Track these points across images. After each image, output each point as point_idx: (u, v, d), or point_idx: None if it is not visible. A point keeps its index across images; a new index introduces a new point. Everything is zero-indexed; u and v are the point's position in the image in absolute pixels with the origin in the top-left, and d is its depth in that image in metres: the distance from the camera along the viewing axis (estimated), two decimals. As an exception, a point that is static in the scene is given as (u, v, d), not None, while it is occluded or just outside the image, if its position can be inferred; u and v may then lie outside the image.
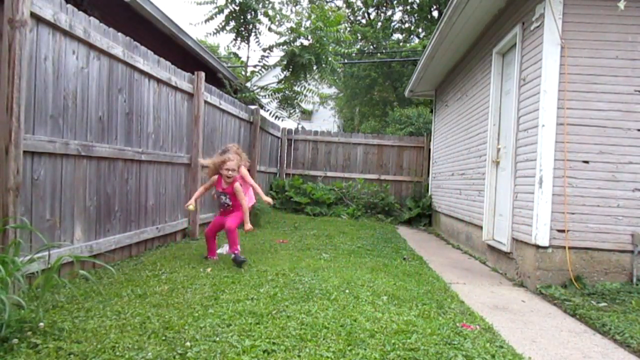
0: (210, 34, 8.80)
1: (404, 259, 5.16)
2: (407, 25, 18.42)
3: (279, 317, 2.70)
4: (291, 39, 8.74)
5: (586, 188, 4.05)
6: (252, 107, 8.52)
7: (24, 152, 2.80)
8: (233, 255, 4.17)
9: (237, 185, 4.38)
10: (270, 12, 8.61)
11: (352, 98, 18.51)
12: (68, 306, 2.66)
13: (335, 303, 3.08)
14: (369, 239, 6.53)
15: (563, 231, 4.03)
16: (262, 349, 2.22)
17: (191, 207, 4.27)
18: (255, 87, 9.70)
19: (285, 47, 8.82)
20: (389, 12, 18.54)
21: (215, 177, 4.38)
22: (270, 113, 9.73)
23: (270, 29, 8.87)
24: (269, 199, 4.97)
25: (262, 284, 3.49)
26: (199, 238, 5.62)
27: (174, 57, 5.82)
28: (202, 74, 5.63)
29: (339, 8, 17.16)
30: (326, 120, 22.40)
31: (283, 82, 9.25)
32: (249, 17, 8.51)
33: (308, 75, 9.28)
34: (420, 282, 3.95)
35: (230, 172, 4.29)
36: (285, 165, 10.74)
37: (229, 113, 6.94)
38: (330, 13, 9.06)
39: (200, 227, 5.87)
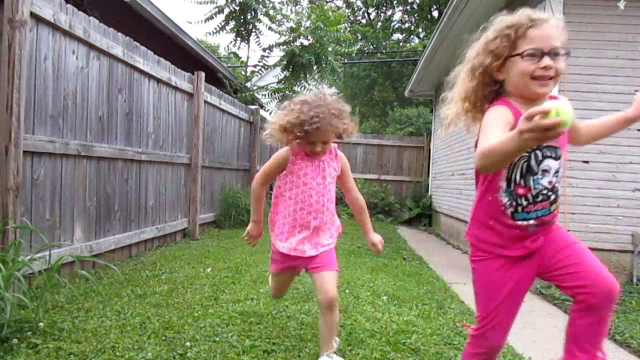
0: (210, 33, 8.81)
1: (404, 259, 5.16)
2: (407, 25, 18.45)
3: (279, 317, 2.70)
4: (291, 38, 8.75)
5: (586, 188, 4.04)
6: (252, 107, 8.52)
7: (24, 152, 2.80)
8: None
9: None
10: (271, 12, 8.61)
11: (352, 98, 18.50)
12: (68, 306, 2.66)
13: (335, 303, 3.08)
14: (369, 239, 6.52)
15: (563, 231, 4.03)
16: (262, 349, 2.22)
17: None
18: (255, 87, 9.70)
19: (285, 47, 8.82)
20: (389, 12, 18.56)
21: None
22: (271, 113, 9.73)
23: (270, 29, 8.88)
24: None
25: (262, 284, 3.49)
26: (199, 238, 5.61)
27: (174, 57, 5.81)
28: (202, 74, 5.63)
29: (339, 8, 17.16)
30: (326, 120, 22.35)
31: (283, 82, 9.25)
32: (249, 17, 8.51)
33: (308, 75, 9.28)
34: (420, 282, 3.95)
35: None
36: (285, 165, 10.73)
37: (229, 113, 6.94)
38: (330, 13, 9.07)
39: (200, 227, 5.87)
